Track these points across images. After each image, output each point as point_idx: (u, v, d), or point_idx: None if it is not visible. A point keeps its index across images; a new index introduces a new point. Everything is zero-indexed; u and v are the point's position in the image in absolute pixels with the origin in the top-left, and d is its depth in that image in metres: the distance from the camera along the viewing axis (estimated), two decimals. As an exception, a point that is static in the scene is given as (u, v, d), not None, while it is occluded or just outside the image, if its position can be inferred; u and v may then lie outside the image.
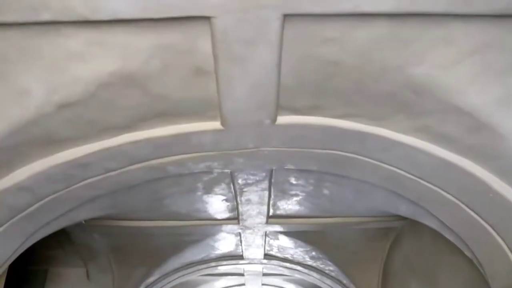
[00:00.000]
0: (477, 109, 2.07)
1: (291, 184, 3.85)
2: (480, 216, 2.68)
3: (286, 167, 3.25)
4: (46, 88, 2.01)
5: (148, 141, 2.54)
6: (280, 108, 2.35)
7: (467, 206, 2.69)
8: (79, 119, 2.25)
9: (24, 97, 2.04)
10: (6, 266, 3.11)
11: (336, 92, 2.20)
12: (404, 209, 3.50)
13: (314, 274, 6.64)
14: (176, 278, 6.67)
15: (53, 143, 2.39)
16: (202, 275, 7.61)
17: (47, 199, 2.80)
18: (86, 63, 1.91)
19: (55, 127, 2.25)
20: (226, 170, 3.36)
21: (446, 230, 3.21)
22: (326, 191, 3.92)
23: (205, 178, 3.59)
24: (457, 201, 2.70)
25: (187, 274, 6.68)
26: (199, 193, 4.02)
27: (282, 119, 2.46)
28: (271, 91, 2.16)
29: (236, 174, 3.50)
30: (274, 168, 3.35)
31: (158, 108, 2.30)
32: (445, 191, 2.70)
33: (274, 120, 2.44)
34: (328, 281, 6.62)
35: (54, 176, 2.58)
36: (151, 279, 6.27)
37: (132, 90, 2.12)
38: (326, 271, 6.50)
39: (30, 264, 5.75)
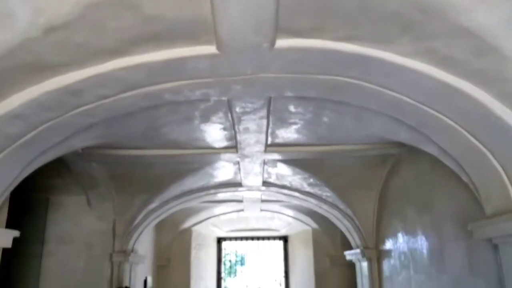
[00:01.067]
0: (484, 30, 1.95)
1: (290, 112, 3.80)
2: (479, 141, 2.67)
3: (285, 95, 3.18)
4: (31, 10, 1.87)
5: (141, 66, 2.43)
6: (279, 30, 2.22)
7: (467, 131, 2.67)
8: (68, 42, 2.13)
9: (9, 21, 1.91)
10: (7, 193, 3.16)
11: (339, 11, 2.06)
12: (404, 136, 3.49)
13: (312, 200, 6.86)
14: (177, 205, 6.89)
15: (43, 69, 2.29)
16: (202, 202, 7.87)
17: (41, 127, 2.76)
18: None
19: (43, 51, 2.14)
20: (223, 98, 3.28)
21: (444, 155, 3.23)
22: (325, 119, 3.88)
23: (202, 106, 3.51)
24: (457, 127, 2.68)
25: (187, 201, 6.88)
26: (197, 122, 3.98)
27: (281, 43, 2.33)
28: (269, 10, 2.01)
29: (233, 102, 3.42)
30: (272, 95, 3.27)
31: (151, 30, 2.17)
32: (446, 116, 2.66)
33: (273, 43, 2.31)
34: (325, 206, 6.85)
35: (47, 103, 2.51)
36: (152, 205, 6.47)
37: (122, 11, 1.98)
38: (324, 197, 6.70)
39: (31, 193, 5.89)
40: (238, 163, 5.53)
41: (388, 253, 5.98)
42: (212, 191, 6.78)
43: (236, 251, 12.13)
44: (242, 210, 9.12)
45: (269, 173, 6.20)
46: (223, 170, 5.94)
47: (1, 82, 2.29)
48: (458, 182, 3.77)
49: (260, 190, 7.02)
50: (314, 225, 9.46)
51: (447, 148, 3.09)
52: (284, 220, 9.94)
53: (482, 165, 2.86)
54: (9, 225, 3.46)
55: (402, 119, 3.11)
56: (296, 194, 6.84)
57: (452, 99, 2.46)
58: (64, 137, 3.14)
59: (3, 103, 2.44)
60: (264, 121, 3.97)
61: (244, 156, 5.20)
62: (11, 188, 3.16)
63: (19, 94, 2.42)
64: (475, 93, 2.33)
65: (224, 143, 4.79)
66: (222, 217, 9.63)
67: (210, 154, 5.10)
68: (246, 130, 4.23)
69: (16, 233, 3.34)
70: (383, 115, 3.22)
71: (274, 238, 11.29)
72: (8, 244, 3.31)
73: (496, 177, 2.78)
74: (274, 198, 7.74)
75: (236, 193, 7.19)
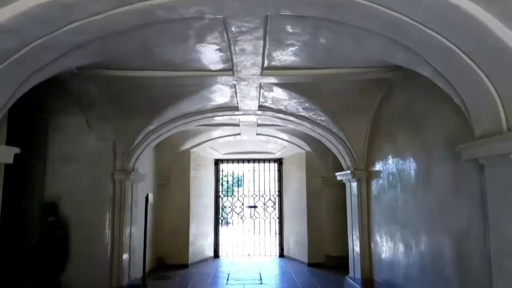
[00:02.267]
0: None
1: (287, 32, 3.71)
2: (475, 63, 2.68)
3: (282, 13, 3.08)
4: None
5: (133, -21, 2.35)
6: None
7: (464, 52, 2.66)
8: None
9: None
10: (5, 110, 3.20)
11: None
12: (400, 57, 3.47)
13: (306, 124, 6.97)
14: (175, 127, 6.98)
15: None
16: (199, 125, 7.99)
17: (34, 43, 2.73)
18: None
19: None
20: (218, 16, 3.18)
21: (439, 78, 3.24)
22: (322, 40, 3.81)
23: (197, 25, 3.42)
24: (454, 48, 2.66)
25: (184, 123, 6.97)
26: (191, 42, 3.90)
27: (279, -46, 2.23)
28: None
29: (229, 20, 3.33)
30: (269, 14, 3.17)
31: None
32: (444, 37, 2.63)
33: (270, -45, 2.22)
34: (319, 130, 6.98)
35: (39, 18, 2.47)
36: (150, 127, 6.58)
37: None
38: (318, 121, 6.80)
39: (31, 113, 5.93)
40: (234, 86, 5.52)
41: (377, 174, 6.24)
42: (209, 114, 6.84)
43: (233, 173, 12.55)
44: (238, 134, 9.27)
45: (265, 97, 6.22)
46: (219, 94, 5.94)
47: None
48: (449, 106, 3.83)
49: (256, 114, 7.08)
50: (308, 149, 9.71)
51: (443, 70, 3.09)
52: (279, 144, 10.17)
53: (476, 87, 2.89)
54: (11, 144, 3.54)
55: (399, 40, 3.07)
56: (291, 118, 6.93)
57: (452, 17, 2.42)
58: (58, 55, 3.11)
59: (-6, 15, 2.38)
60: (261, 42, 3.90)
61: (240, 79, 5.18)
62: (9, 105, 3.19)
63: (10, 6, 2.36)
64: (475, 12, 2.29)
65: (220, 65, 4.74)
66: (220, 140, 9.81)
67: (206, 77, 5.07)
68: (242, 51, 4.17)
69: (16, 150, 3.43)
70: (381, 36, 3.17)
71: (269, 160, 11.64)
72: (10, 160, 3.42)
73: (489, 99, 2.83)
74: (269, 122, 7.85)
75: (232, 117, 7.26)
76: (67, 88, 5.36)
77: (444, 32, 2.64)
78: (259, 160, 11.65)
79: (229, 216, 11.86)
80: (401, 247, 5.30)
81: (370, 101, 6.04)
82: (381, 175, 6.05)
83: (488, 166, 3.13)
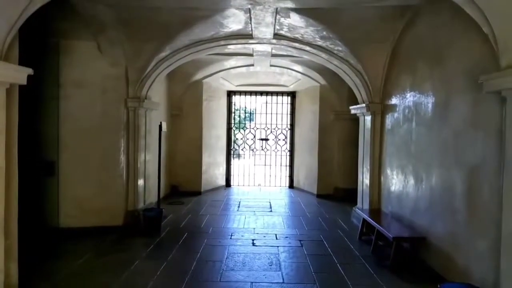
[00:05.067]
0: None
1: None
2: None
3: None
4: None
5: None
6: None
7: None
8: None
9: None
10: (16, 28, 3.11)
11: None
12: (429, -21, 3.22)
13: (322, 55, 6.74)
14: (187, 55, 6.82)
15: None
16: (212, 54, 7.79)
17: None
18: None
19: None
20: None
21: (467, 2, 3.03)
22: (345, -42, 3.53)
23: None
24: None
25: (197, 51, 6.79)
26: (206, -42, 3.66)
27: None
28: None
29: None
30: None
31: None
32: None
33: None
34: (336, 61, 6.76)
35: None
36: (162, 54, 6.44)
37: None
38: (335, 51, 6.56)
39: (42, 37, 5.82)
40: (249, 11, 5.27)
41: (392, 107, 6.13)
42: (222, 42, 6.63)
43: (245, 107, 12.50)
44: (252, 65, 9.07)
45: (281, 24, 5.95)
46: (233, 19, 5.69)
47: None
48: (476, 35, 3.65)
49: (270, 43, 6.84)
50: (323, 82, 9.51)
51: (474, -7, 2.87)
52: (293, 76, 9.96)
53: (508, 13, 2.71)
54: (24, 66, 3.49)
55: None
56: (307, 48, 6.68)
57: None
58: (65, -31, 2.94)
59: None
60: (279, -41, 3.63)
61: (255, 3, 4.92)
62: (20, 23, 3.10)
63: None
64: None
65: (235, -14, 4.48)
66: (232, 71, 9.64)
67: (219, -1, 4.82)
68: (259, -30, 3.90)
69: (29, 70, 3.38)
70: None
71: (282, 93, 11.49)
72: (23, 81, 3.40)
73: (520, 26, 2.66)
74: (284, 53, 7.61)
75: (246, 46, 7.04)
76: (77, 10, 5.18)
77: None
78: (272, 93, 11.52)
79: (240, 148, 12.02)
80: (411, 180, 5.35)
81: (391, 30, 5.76)
82: (397, 108, 5.94)
83: (511, 98, 3.03)
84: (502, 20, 2.87)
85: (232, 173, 11.67)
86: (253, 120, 12.80)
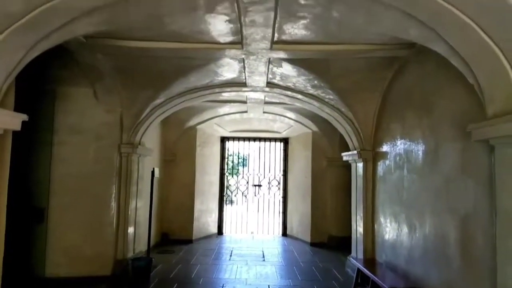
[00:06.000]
0: None
1: (299, 4, 3.62)
2: (491, 39, 2.60)
3: (294, -18, 3.01)
4: None
5: None
6: None
7: (480, 27, 2.58)
8: None
9: None
10: (13, 76, 3.17)
11: None
12: (413, 33, 3.38)
13: (314, 103, 6.90)
14: (182, 102, 6.94)
15: None
16: (206, 101, 7.93)
17: (42, 7, 2.69)
18: None
19: None
20: (229, -16, 3.11)
21: (453, 55, 3.16)
22: (335, 13, 3.71)
23: (207, -7, 3.35)
24: (471, 22, 2.58)
25: (191, 98, 6.92)
26: (201, 12, 3.82)
27: None
28: None
29: (240, -11, 3.26)
30: (281, -17, 3.10)
31: None
32: (461, 11, 2.55)
33: None
34: (327, 109, 6.91)
35: (45, -21, 2.41)
36: (157, 101, 6.55)
37: None
38: (326, 100, 6.73)
39: (39, 84, 5.92)
40: (243, 60, 5.44)
41: (383, 154, 6.19)
42: (217, 90, 6.78)
43: (238, 153, 12.56)
44: (245, 111, 9.23)
45: (273, 73, 6.14)
46: (227, 68, 5.87)
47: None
48: (462, 85, 3.76)
49: (264, 91, 7.01)
50: (315, 128, 9.65)
51: (457, 46, 3.01)
52: (285, 123, 10.11)
53: (491, 65, 2.82)
54: (19, 112, 3.52)
55: (413, 14, 2.98)
56: (299, 96, 6.86)
57: (470, -11, 2.33)
58: (66, 21, 3.06)
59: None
60: (272, 14, 3.82)
61: (249, 53, 5.10)
62: (16, 71, 3.17)
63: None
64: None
65: (229, 38, 4.66)
66: (226, 117, 9.78)
67: (214, 50, 4.98)
68: (253, 23, 4.09)
69: (24, 116, 3.41)
70: (395, 10, 3.08)
71: (275, 139, 11.61)
72: (17, 127, 3.42)
73: (504, 77, 2.77)
74: (277, 100, 7.78)
75: (240, 93, 7.20)
76: (74, 58, 5.31)
77: (461, 5, 2.56)
78: (265, 139, 11.63)
79: (233, 194, 11.93)
80: (405, 228, 5.30)
81: (380, 79, 5.95)
82: (388, 155, 6.01)
83: (499, 147, 3.08)
84: (487, 72, 2.98)
85: (224, 220, 11.48)
86: (246, 166, 12.81)
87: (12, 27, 2.74)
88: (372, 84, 6.06)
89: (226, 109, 9.09)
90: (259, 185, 11.83)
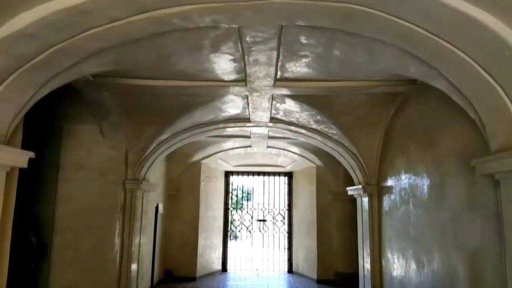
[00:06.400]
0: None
1: (301, 43, 3.73)
2: (490, 75, 2.65)
3: (296, 23, 3.10)
4: None
5: (151, -13, 2.39)
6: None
7: (479, 64, 2.64)
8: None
9: None
10: (22, 114, 3.25)
11: None
12: (414, 70, 3.46)
13: (318, 137, 6.94)
14: (186, 138, 7.01)
15: (52, -14, 2.27)
16: (211, 136, 8.01)
17: (52, 49, 2.78)
18: None
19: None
20: (233, 25, 3.22)
21: (453, 91, 3.21)
22: (336, 52, 3.82)
23: (212, 34, 3.46)
24: (469, 60, 2.64)
25: (196, 134, 6.99)
26: (206, 51, 3.94)
27: (295, -36, 2.26)
28: None
29: (244, 30, 3.36)
30: (284, 24, 3.20)
31: None
32: (459, 49, 2.62)
33: (286, -36, 2.24)
34: (331, 144, 6.95)
35: (58, 23, 2.51)
36: (162, 137, 6.62)
37: None
38: (329, 134, 6.77)
39: (46, 121, 6.03)
40: (246, 97, 5.54)
41: (388, 189, 6.15)
42: (221, 125, 6.86)
43: (242, 187, 12.52)
44: (249, 146, 9.28)
45: (277, 109, 6.23)
46: (231, 104, 5.97)
47: (12, -2, 2.27)
48: (464, 120, 3.79)
49: (267, 126, 7.09)
50: (319, 162, 9.65)
51: (457, 83, 3.06)
52: (289, 157, 10.14)
53: (492, 100, 2.86)
54: (25, 149, 3.58)
55: (413, 52, 3.06)
56: (303, 131, 6.91)
57: (466, 29, 2.41)
58: (75, 61, 3.16)
59: (13, 20, 2.44)
60: (274, 53, 3.92)
61: (253, 90, 5.20)
62: (26, 109, 3.24)
63: (29, 12, 2.41)
64: (491, 23, 2.27)
65: (234, 76, 4.77)
66: (230, 152, 9.83)
67: (219, 87, 5.09)
68: (256, 62, 4.19)
69: (31, 154, 3.46)
70: (395, 48, 3.16)
71: (279, 174, 11.59)
72: (24, 164, 3.45)
73: (505, 112, 2.79)
74: (280, 135, 7.84)
75: (244, 128, 7.27)
76: (82, 96, 5.44)
77: (459, 43, 2.63)
78: (269, 173, 11.62)
79: (238, 229, 11.78)
80: (413, 265, 5.19)
81: (383, 114, 6.01)
82: (393, 190, 5.97)
83: (504, 181, 3.06)
84: (488, 107, 3.01)
85: (228, 257, 11.28)
86: (250, 200, 12.73)
87: (22, 67, 2.83)
88: (374, 119, 6.11)
89: (230, 143, 9.16)
90: (264, 220, 11.70)
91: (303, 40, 3.64)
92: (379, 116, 6.04)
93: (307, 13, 2.84)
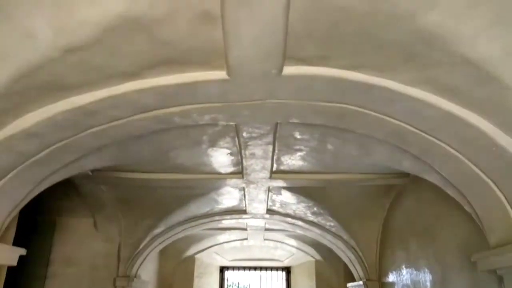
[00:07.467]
0: (485, 60, 2.03)
1: (296, 138, 3.87)
2: (482, 171, 2.71)
3: (291, 121, 3.26)
4: (52, 32, 1.98)
5: (153, 89, 2.54)
6: (286, 58, 2.32)
7: (469, 160, 2.72)
8: (85, 64, 2.24)
9: (30, 41, 2.01)
10: (17, 211, 3.21)
11: (344, 40, 2.16)
12: (407, 165, 3.54)
13: (315, 230, 6.82)
14: (181, 231, 6.88)
15: (60, 89, 2.39)
16: (206, 229, 7.84)
17: (55, 146, 2.86)
18: (92, 5, 1.88)
19: (61, 72, 2.24)
20: (231, 123, 3.36)
21: (447, 185, 3.25)
22: (330, 146, 3.94)
23: (210, 130, 3.61)
24: (460, 155, 2.73)
25: (191, 227, 6.88)
26: (204, 146, 4.06)
27: (289, 70, 2.43)
28: (277, 39, 2.12)
29: (241, 127, 3.51)
30: (279, 121, 3.35)
31: (164, 55, 2.27)
32: (449, 145, 2.72)
33: (281, 70, 2.41)
34: (329, 236, 6.80)
35: (62, 123, 2.61)
36: (157, 230, 6.48)
37: (137, 35, 2.09)
38: (327, 227, 6.67)
39: (39, 214, 5.94)
40: (243, 189, 5.57)
41: (390, 285, 5.88)
42: (217, 217, 6.78)
43: (238, 283, 11.93)
44: (245, 238, 9.06)
45: (273, 201, 6.22)
46: (228, 196, 5.96)
47: (20, 100, 2.38)
48: (461, 212, 3.77)
49: (264, 218, 7.00)
50: (318, 257, 9.34)
51: (450, 177, 3.12)
52: (287, 250, 9.83)
53: (485, 195, 2.88)
54: (16, 244, 3.48)
55: (405, 148, 3.16)
56: (300, 223, 6.82)
57: (455, 128, 2.53)
58: (76, 157, 3.23)
59: (19, 121, 2.53)
60: (270, 147, 4.05)
61: (249, 182, 5.24)
62: (22, 205, 3.22)
63: (35, 112, 2.51)
64: (477, 122, 2.39)
65: (231, 169, 4.85)
66: (226, 245, 9.55)
67: (216, 180, 5.15)
68: (252, 155, 4.30)
69: (22, 251, 3.36)
70: (387, 144, 3.28)
71: (277, 269, 11.11)
72: (14, 262, 3.33)
73: (500, 207, 2.80)
74: (277, 227, 7.71)
75: (240, 220, 7.18)
76: (77, 189, 5.43)
77: (448, 140, 2.73)
78: (266, 268, 11.14)
79: (233, 330, 10.94)
80: None
81: (380, 206, 6.00)
82: (395, 286, 5.70)
83: (508, 278, 2.95)
84: (482, 201, 3.02)
85: None
86: (246, 298, 12.04)
87: (25, 163, 2.88)
88: (371, 211, 6.08)
89: (226, 236, 8.94)
90: (261, 319, 10.93)
91: (298, 135, 3.79)
92: (376, 208, 6.02)
93: (301, 112, 3.00)
